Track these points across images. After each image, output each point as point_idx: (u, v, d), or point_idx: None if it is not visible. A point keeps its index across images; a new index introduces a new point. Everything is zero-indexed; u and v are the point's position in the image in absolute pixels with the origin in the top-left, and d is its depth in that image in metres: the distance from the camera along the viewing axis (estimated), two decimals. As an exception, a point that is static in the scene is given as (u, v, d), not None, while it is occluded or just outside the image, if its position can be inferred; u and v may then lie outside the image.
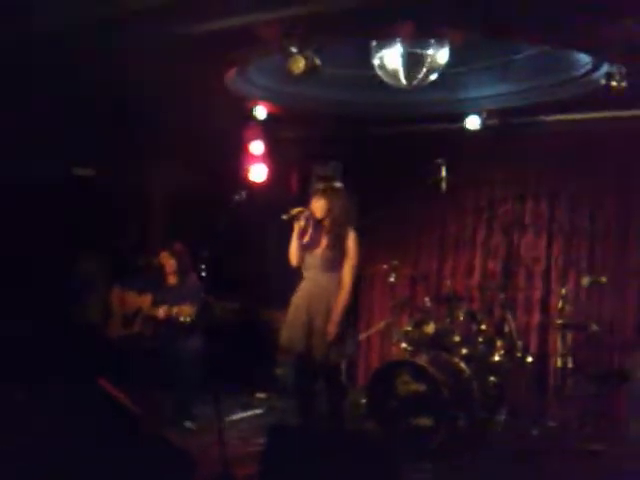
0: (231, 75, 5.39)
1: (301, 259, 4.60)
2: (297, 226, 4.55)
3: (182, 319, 5.19)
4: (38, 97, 5.48)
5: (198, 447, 4.50)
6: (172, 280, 5.58)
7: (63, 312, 6.33)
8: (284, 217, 4.53)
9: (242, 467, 4.19)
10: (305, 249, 4.58)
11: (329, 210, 4.53)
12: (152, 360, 5.25)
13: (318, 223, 4.58)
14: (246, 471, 4.14)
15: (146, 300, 5.48)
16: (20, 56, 4.82)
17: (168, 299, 5.37)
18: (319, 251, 4.53)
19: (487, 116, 5.83)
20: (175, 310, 5.20)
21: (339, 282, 4.48)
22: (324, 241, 4.54)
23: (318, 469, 3.11)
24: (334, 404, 4.61)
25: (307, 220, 4.56)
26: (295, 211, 4.55)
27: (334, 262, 4.48)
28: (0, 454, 4.29)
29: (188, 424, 5.21)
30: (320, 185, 4.78)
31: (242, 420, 5.71)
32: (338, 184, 4.83)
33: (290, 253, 4.62)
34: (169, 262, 5.52)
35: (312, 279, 4.56)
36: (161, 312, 5.27)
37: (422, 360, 5.03)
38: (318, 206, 4.55)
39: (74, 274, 6.55)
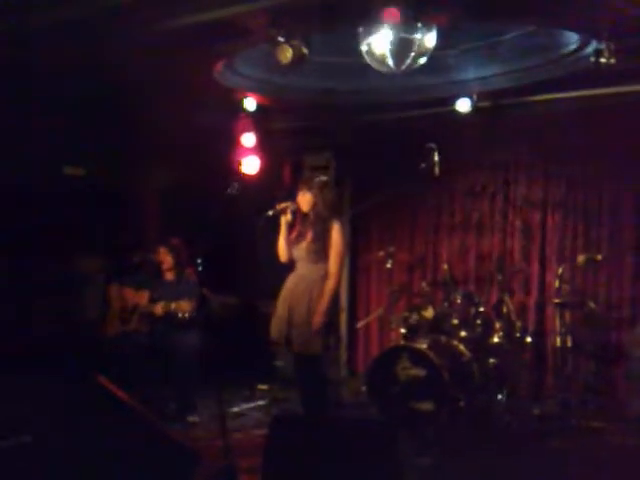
0: (219, 67, 5.36)
1: (290, 253, 4.62)
2: (284, 221, 4.56)
3: (181, 315, 5.19)
4: (27, 96, 5.45)
5: (201, 440, 4.52)
6: (169, 276, 5.58)
7: (61, 310, 6.33)
8: (269, 213, 4.52)
9: (245, 459, 4.21)
10: (293, 243, 4.59)
11: (314, 204, 4.54)
12: (151, 356, 5.26)
13: (305, 217, 4.59)
14: (250, 463, 4.15)
15: (143, 296, 5.49)
16: (10, 56, 4.79)
17: (165, 295, 5.37)
18: (304, 244, 4.54)
19: (478, 98, 5.81)
20: (173, 306, 5.20)
21: (324, 273, 4.47)
22: (309, 234, 4.54)
23: (321, 458, 3.11)
24: (313, 394, 4.59)
25: (294, 214, 4.57)
26: (281, 206, 4.54)
27: (319, 254, 4.48)
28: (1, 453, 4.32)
29: (191, 418, 5.22)
30: (305, 179, 4.77)
31: (245, 412, 5.72)
32: (323, 177, 4.82)
33: (278, 249, 4.63)
34: (167, 258, 5.52)
35: (298, 272, 4.59)
36: (159, 309, 5.27)
37: (421, 345, 5.04)
38: (304, 200, 4.54)
39: (71, 272, 6.54)
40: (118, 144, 6.48)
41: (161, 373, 5.33)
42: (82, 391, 3.97)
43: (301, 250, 4.55)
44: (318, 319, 4.37)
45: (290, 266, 4.73)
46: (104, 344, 5.50)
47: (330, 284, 4.44)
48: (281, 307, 4.57)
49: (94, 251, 6.66)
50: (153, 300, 5.42)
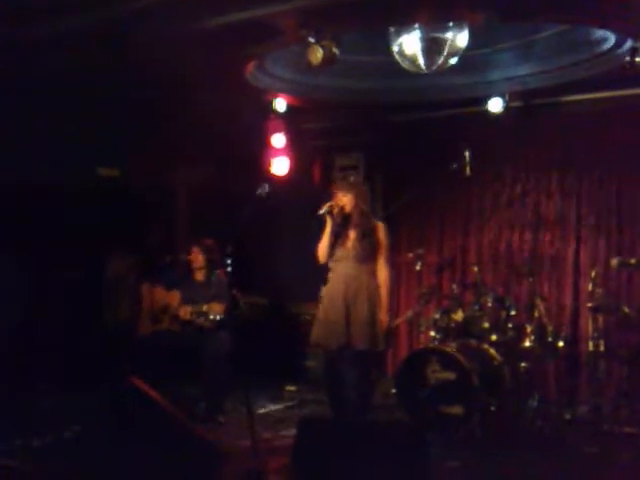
0: (250, 69, 5.38)
1: (330, 254, 4.64)
2: (330, 222, 4.61)
3: (212, 317, 5.22)
4: (62, 98, 5.52)
5: (229, 440, 4.54)
6: (199, 276, 5.60)
7: (94, 310, 6.40)
8: (320, 212, 4.59)
9: (273, 459, 4.21)
10: (335, 243, 4.62)
11: (356, 204, 4.61)
12: (182, 356, 5.29)
13: (345, 217, 4.62)
14: (277, 463, 4.15)
15: (174, 297, 5.52)
16: (44, 56, 4.86)
17: (196, 295, 5.40)
18: (349, 244, 4.61)
19: (510, 98, 5.75)
20: (205, 307, 5.23)
21: (372, 271, 4.58)
22: (352, 234, 4.62)
23: (349, 460, 3.10)
24: (366, 394, 4.63)
25: (337, 213, 4.62)
26: (328, 205, 4.61)
27: (365, 253, 4.57)
28: (37, 450, 4.39)
29: (219, 418, 5.24)
30: (344, 180, 4.83)
31: (273, 413, 5.73)
32: (360, 178, 4.90)
33: (320, 249, 4.68)
34: (199, 257, 5.54)
35: (344, 272, 4.62)
36: (187, 313, 5.30)
37: (451, 348, 4.99)
38: (346, 200, 4.62)
39: (104, 273, 6.61)
40: (151, 145, 6.54)
41: (191, 373, 5.35)
42: (115, 391, 4.02)
43: (346, 250, 4.61)
44: (384, 315, 4.54)
45: (321, 265, 4.76)
46: (136, 344, 5.54)
47: (387, 280, 4.59)
48: (333, 309, 4.58)
49: (127, 251, 6.72)
50: (184, 300, 5.44)
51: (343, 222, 4.65)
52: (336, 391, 4.76)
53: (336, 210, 4.60)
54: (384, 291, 4.57)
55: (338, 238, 4.64)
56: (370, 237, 4.58)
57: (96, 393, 4.40)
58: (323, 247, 4.66)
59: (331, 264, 4.70)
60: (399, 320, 6.49)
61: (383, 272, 4.59)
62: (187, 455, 3.88)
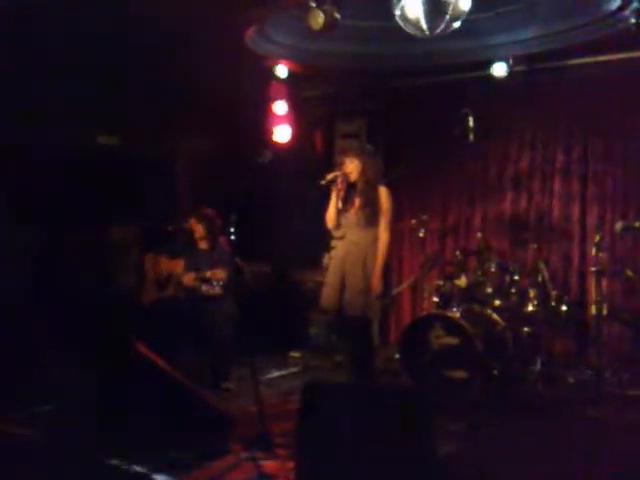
0: (251, 34, 5.32)
1: (338, 221, 4.68)
2: (335, 190, 4.62)
3: (215, 283, 5.24)
4: (62, 65, 5.48)
5: (236, 406, 4.59)
6: (202, 245, 5.60)
7: (100, 279, 6.43)
8: (322, 182, 4.61)
9: (279, 424, 4.26)
10: (341, 210, 4.65)
11: (363, 171, 4.62)
12: (186, 323, 5.33)
13: (349, 184, 4.64)
14: (283, 427, 4.20)
15: (178, 265, 5.54)
16: (46, 24, 4.81)
17: (199, 264, 5.41)
18: (353, 211, 4.63)
19: (514, 62, 5.69)
20: (208, 274, 5.25)
21: (374, 238, 4.59)
22: (357, 201, 4.63)
23: (353, 424, 3.13)
24: (364, 360, 4.67)
25: (342, 182, 4.63)
26: (332, 175, 4.62)
27: (368, 219, 4.59)
28: (43, 418, 4.44)
29: (225, 385, 5.29)
30: (351, 148, 4.82)
31: (277, 379, 5.78)
32: (367, 145, 4.89)
33: (328, 216, 4.71)
34: (198, 227, 5.55)
35: (347, 238, 4.65)
36: (190, 279, 5.32)
37: (454, 313, 5.02)
38: (352, 167, 4.63)
39: (108, 242, 6.63)
40: (151, 113, 6.49)
41: (196, 340, 5.39)
42: (121, 358, 4.06)
43: (351, 217, 4.63)
44: (376, 282, 4.52)
45: (323, 232, 4.78)
46: (141, 312, 5.58)
47: (383, 247, 4.58)
48: (333, 274, 4.62)
49: (129, 220, 6.72)
50: (187, 268, 5.47)
51: (348, 189, 4.66)
52: (354, 355, 4.79)
53: (340, 179, 4.62)
54: (380, 257, 4.56)
55: (345, 204, 4.65)
56: (374, 204, 4.60)
57: (101, 360, 4.44)
58: (330, 214, 4.70)
59: (336, 230, 4.73)
60: (403, 286, 6.51)
61: (383, 237, 4.60)
62: (194, 421, 3.93)
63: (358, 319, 4.55)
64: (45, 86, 5.53)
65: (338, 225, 4.69)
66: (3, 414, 4.39)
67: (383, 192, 4.64)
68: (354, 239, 4.61)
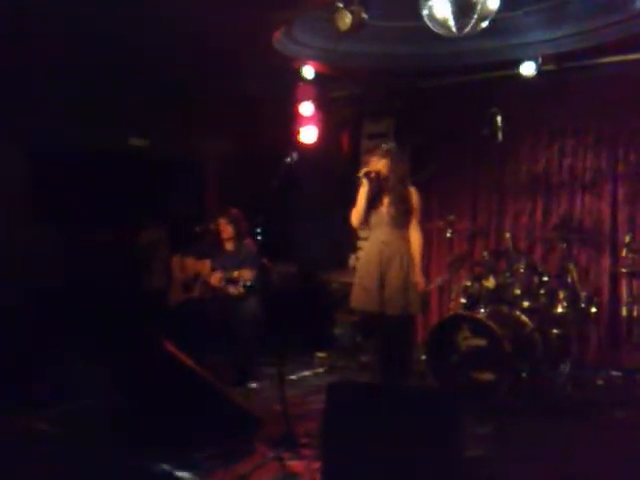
0: (278, 36, 5.33)
1: (365, 219, 4.63)
2: (365, 186, 4.57)
3: (242, 283, 5.26)
4: (92, 68, 5.55)
5: (261, 406, 4.60)
6: (229, 246, 5.63)
7: (129, 280, 6.50)
8: (358, 175, 4.56)
9: (304, 424, 4.27)
10: (369, 209, 4.61)
11: (393, 169, 4.58)
12: (213, 323, 5.36)
13: (379, 182, 4.60)
14: (308, 427, 4.21)
15: (205, 265, 5.57)
16: (76, 27, 4.88)
17: (226, 264, 5.44)
18: (384, 209, 4.58)
19: (543, 61, 5.62)
20: (236, 274, 5.28)
21: (404, 238, 4.57)
22: (387, 199, 4.58)
23: (379, 425, 3.12)
24: (404, 358, 4.65)
25: (374, 179, 4.59)
26: (365, 171, 4.57)
27: (399, 218, 4.55)
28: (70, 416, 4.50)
29: (251, 384, 5.31)
30: (379, 146, 4.77)
31: (303, 379, 5.79)
32: (394, 144, 4.83)
33: (355, 213, 4.63)
34: (226, 228, 5.57)
35: (379, 237, 4.60)
36: (218, 279, 5.35)
37: (482, 314, 4.98)
38: (381, 165, 4.59)
39: (137, 243, 6.69)
40: (180, 115, 6.55)
41: (222, 340, 5.42)
42: (150, 357, 4.09)
43: (380, 215, 4.58)
44: (419, 279, 4.52)
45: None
46: (168, 312, 5.63)
47: (418, 244, 4.58)
48: (368, 275, 4.56)
49: (158, 221, 6.78)
50: (214, 269, 5.50)
51: (378, 187, 4.61)
52: (386, 356, 4.77)
53: (373, 175, 4.56)
54: (417, 254, 4.56)
55: (373, 203, 4.60)
56: (404, 202, 4.56)
57: (129, 360, 4.48)
58: (358, 211, 4.61)
59: (365, 231, 4.70)
60: (430, 287, 6.47)
61: (415, 236, 4.58)
62: (220, 420, 3.95)
63: (399, 318, 4.53)
64: (76, 88, 5.61)
65: (366, 224, 4.65)
66: (31, 412, 4.46)
67: (413, 191, 4.62)
68: (384, 239, 4.55)
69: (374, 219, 4.61)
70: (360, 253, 4.71)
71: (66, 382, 5.04)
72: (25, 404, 4.53)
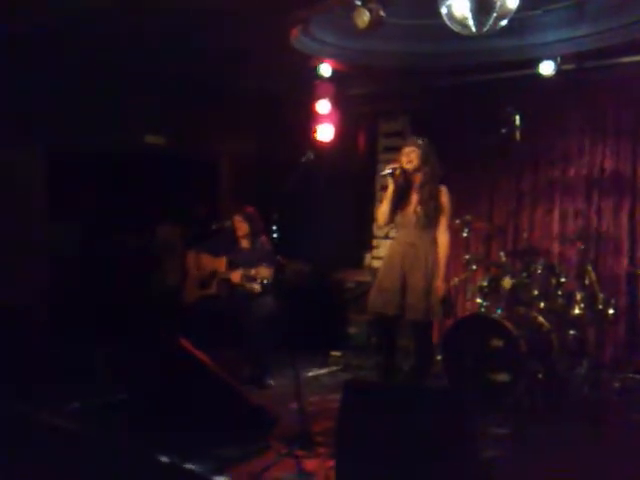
0: (296, 33, 5.33)
1: (390, 219, 4.50)
2: (392, 183, 4.41)
3: (260, 280, 5.26)
4: (109, 68, 5.58)
5: (276, 404, 4.61)
6: (244, 243, 5.64)
7: (144, 276, 6.53)
8: (383, 173, 4.42)
9: (319, 422, 4.27)
10: (396, 208, 4.47)
11: (424, 161, 4.40)
12: (229, 320, 5.37)
13: (407, 179, 4.45)
14: (323, 426, 4.21)
15: (221, 263, 5.58)
16: (91, 26, 4.91)
17: (241, 262, 5.45)
18: (411, 208, 4.43)
19: (562, 60, 5.58)
20: (253, 272, 5.27)
21: (431, 240, 4.40)
22: (415, 197, 4.43)
23: (394, 424, 3.12)
24: (424, 361, 4.61)
25: (400, 176, 4.42)
26: (391, 167, 4.42)
27: (428, 219, 4.38)
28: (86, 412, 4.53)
29: (266, 382, 5.32)
30: (411, 139, 4.58)
31: (318, 377, 5.79)
32: (425, 140, 4.60)
33: (380, 212, 4.50)
34: (242, 226, 5.57)
35: (404, 238, 4.46)
36: (237, 276, 5.35)
37: (498, 315, 4.95)
38: (414, 156, 4.39)
39: (153, 241, 6.73)
40: (197, 113, 6.57)
41: (238, 337, 5.43)
42: (166, 354, 4.11)
43: (407, 216, 4.43)
44: (441, 284, 4.35)
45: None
46: (184, 309, 5.64)
47: (445, 247, 4.40)
48: (390, 278, 4.43)
49: (174, 218, 6.81)
50: (230, 266, 5.51)
51: (405, 185, 4.45)
52: (387, 358, 4.72)
53: (399, 172, 4.39)
54: (443, 258, 4.38)
55: (400, 202, 4.45)
56: (433, 201, 4.37)
57: (146, 357, 4.51)
58: (384, 211, 4.46)
59: (391, 231, 4.56)
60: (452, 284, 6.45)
61: (443, 238, 4.40)
62: (236, 418, 3.96)
63: (420, 323, 4.43)
64: (92, 87, 5.65)
65: (392, 224, 4.52)
66: (54, 408, 4.50)
67: (443, 190, 4.43)
68: (411, 240, 4.40)
69: (401, 219, 4.46)
70: (386, 254, 4.54)
71: (85, 378, 5.09)
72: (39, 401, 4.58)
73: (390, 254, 4.53)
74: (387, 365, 4.70)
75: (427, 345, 4.59)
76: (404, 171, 4.42)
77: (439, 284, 4.36)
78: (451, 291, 4.43)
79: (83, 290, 5.90)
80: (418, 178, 4.43)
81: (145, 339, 4.49)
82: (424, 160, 4.41)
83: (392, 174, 4.40)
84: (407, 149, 4.45)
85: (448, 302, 4.45)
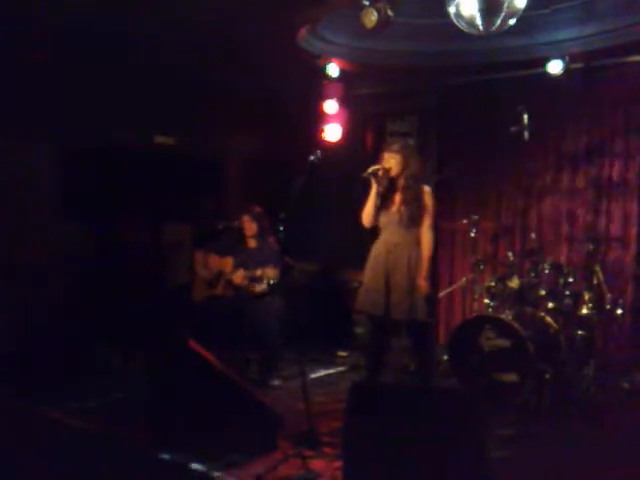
0: (303, 33, 5.33)
1: (375, 219, 4.54)
2: (375, 184, 4.47)
3: (266, 281, 5.26)
4: (120, 67, 5.60)
5: (283, 403, 4.61)
6: (252, 243, 5.64)
7: (153, 276, 6.55)
8: (364, 175, 4.45)
9: (326, 422, 4.27)
10: (380, 208, 4.51)
11: (405, 166, 4.47)
12: (236, 321, 5.38)
13: (390, 181, 4.50)
14: (330, 426, 4.21)
15: (228, 263, 5.59)
16: (105, 26, 4.92)
17: (248, 262, 5.46)
18: (394, 208, 4.48)
19: (570, 59, 5.56)
20: (260, 272, 5.27)
21: (415, 239, 4.45)
22: (398, 198, 4.48)
23: (401, 425, 3.11)
24: (422, 361, 4.60)
25: (383, 177, 4.48)
26: (373, 168, 4.46)
27: (411, 219, 4.43)
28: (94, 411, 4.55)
29: (273, 382, 5.32)
30: (392, 142, 4.66)
31: (325, 377, 5.79)
32: (410, 141, 4.71)
33: (365, 213, 4.55)
34: (250, 226, 5.57)
35: (387, 239, 4.50)
36: (240, 277, 5.35)
37: (506, 315, 4.94)
38: (394, 162, 4.46)
39: (161, 240, 6.73)
40: (205, 113, 6.57)
41: (245, 338, 5.44)
42: (175, 354, 4.12)
43: (391, 215, 4.47)
44: (424, 283, 4.38)
45: (372, 232, 4.70)
46: (191, 309, 5.66)
47: (428, 246, 4.43)
48: (374, 277, 4.48)
49: (182, 218, 6.81)
50: (237, 266, 5.51)
51: (389, 186, 4.50)
52: (376, 358, 4.71)
53: (381, 173, 4.43)
54: (426, 257, 4.41)
55: (384, 202, 4.49)
56: (416, 202, 4.42)
57: (154, 356, 4.52)
58: (368, 211, 4.52)
59: (379, 229, 4.59)
60: (454, 287, 6.44)
61: (426, 237, 4.44)
62: (243, 417, 3.96)
63: (406, 321, 4.45)
64: (102, 86, 5.66)
65: (376, 224, 4.55)
66: (60, 406, 4.52)
67: (426, 191, 4.47)
68: (394, 240, 4.45)
69: (384, 219, 4.50)
70: (370, 254, 4.58)
71: (92, 377, 5.11)
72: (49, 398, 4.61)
73: (375, 254, 4.56)
74: (375, 364, 4.68)
75: (426, 346, 4.58)
76: (387, 172, 4.45)
77: (421, 282, 4.38)
78: (429, 291, 4.43)
79: (92, 288, 5.91)
80: (400, 179, 4.47)
81: (154, 339, 4.50)
82: (404, 165, 4.47)
83: (375, 175, 4.43)
84: (386, 155, 4.50)
85: (432, 301, 4.45)
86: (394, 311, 4.40)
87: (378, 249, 4.54)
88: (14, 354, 5.07)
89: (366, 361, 4.84)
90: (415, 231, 4.45)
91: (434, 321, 5.40)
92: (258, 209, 5.61)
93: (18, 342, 5.20)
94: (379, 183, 4.46)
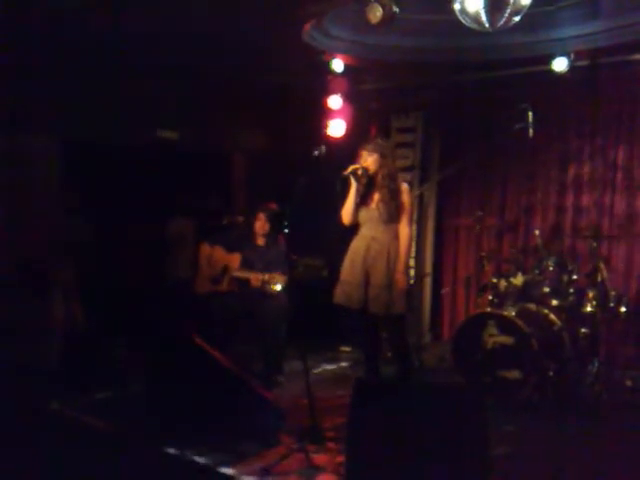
0: (308, 28, 5.33)
1: (355, 217, 4.59)
2: (355, 183, 4.53)
3: (273, 286, 5.25)
4: (123, 62, 5.60)
5: (287, 399, 4.63)
6: (260, 241, 5.60)
7: (157, 271, 6.56)
8: (344, 174, 4.49)
9: (329, 418, 4.28)
10: (359, 205, 4.57)
11: (383, 164, 4.53)
12: (241, 316, 5.38)
13: (369, 178, 4.56)
14: (333, 422, 4.22)
15: (235, 259, 5.55)
16: (107, 23, 4.92)
17: (255, 260, 5.44)
18: (373, 205, 4.53)
19: (575, 57, 5.55)
20: (267, 277, 5.25)
21: (394, 234, 4.51)
22: (377, 195, 4.54)
23: (405, 422, 3.12)
24: (399, 351, 4.63)
25: (362, 176, 4.54)
26: (352, 168, 4.51)
27: (389, 215, 4.48)
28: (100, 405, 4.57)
29: (277, 377, 5.33)
30: (370, 141, 4.69)
31: (328, 373, 5.80)
32: (386, 139, 4.78)
33: (344, 211, 4.61)
34: (264, 225, 5.53)
35: (366, 234, 4.56)
36: (255, 280, 5.32)
37: (509, 312, 4.94)
38: (371, 160, 4.53)
39: (165, 235, 6.74)
40: (210, 108, 6.57)
41: (249, 333, 5.44)
42: (179, 349, 4.13)
43: (370, 212, 4.54)
44: (402, 277, 4.43)
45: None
46: (195, 304, 5.65)
47: (406, 241, 4.50)
48: (352, 271, 4.53)
49: (186, 212, 6.82)
50: (243, 264, 5.49)
51: (368, 183, 4.56)
52: (369, 351, 4.78)
53: (360, 171, 4.50)
54: (403, 251, 4.47)
55: (363, 200, 4.56)
56: (395, 199, 4.48)
57: (159, 350, 4.53)
58: (347, 209, 4.58)
59: (359, 226, 4.64)
60: (457, 284, 6.45)
61: (403, 233, 4.50)
62: (247, 412, 3.98)
63: (385, 316, 4.47)
64: (106, 81, 5.66)
65: (355, 220, 4.60)
66: (67, 400, 4.54)
67: (404, 188, 4.55)
68: (373, 235, 4.50)
69: (364, 215, 4.56)
70: (349, 249, 4.64)
71: (98, 372, 5.13)
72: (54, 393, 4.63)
73: (354, 248, 4.61)
74: (369, 357, 4.75)
75: (401, 339, 4.62)
76: (366, 170, 4.52)
77: (399, 276, 4.42)
78: (407, 285, 4.48)
79: (96, 282, 5.92)
80: (378, 177, 4.54)
81: (158, 334, 4.51)
82: (381, 164, 4.52)
83: (354, 174, 4.48)
84: (364, 153, 4.55)
85: (410, 295, 4.48)
86: (372, 305, 4.45)
87: (357, 243, 4.60)
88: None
89: (365, 357, 4.90)
90: (394, 227, 4.51)
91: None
92: (274, 206, 5.57)
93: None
94: (359, 182, 4.53)
